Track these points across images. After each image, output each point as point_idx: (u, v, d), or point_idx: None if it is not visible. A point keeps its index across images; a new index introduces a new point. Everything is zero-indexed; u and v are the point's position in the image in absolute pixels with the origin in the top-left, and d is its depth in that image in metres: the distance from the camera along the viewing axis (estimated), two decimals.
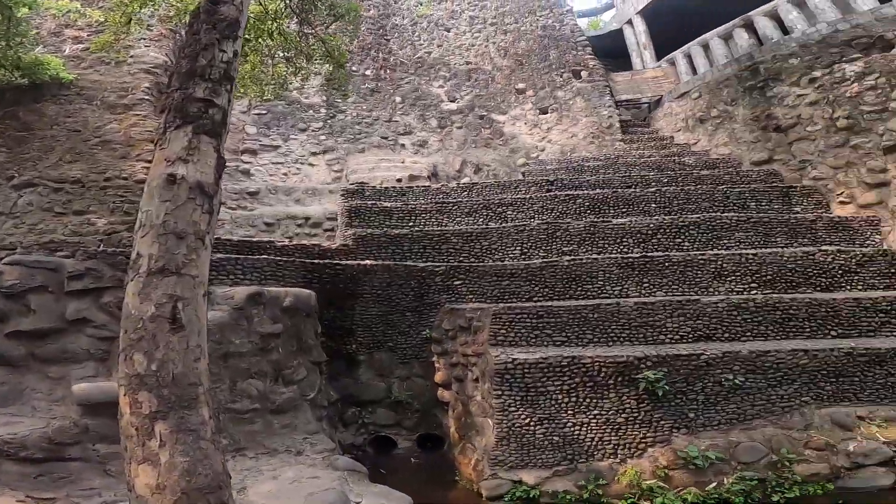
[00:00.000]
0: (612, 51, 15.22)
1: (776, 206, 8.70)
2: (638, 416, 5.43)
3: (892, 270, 7.31)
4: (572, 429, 5.37)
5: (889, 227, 7.90)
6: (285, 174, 12.45)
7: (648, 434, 5.38)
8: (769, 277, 7.23)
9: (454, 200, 9.41)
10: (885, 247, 7.76)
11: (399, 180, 11.97)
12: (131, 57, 7.96)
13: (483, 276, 7.44)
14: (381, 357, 7.28)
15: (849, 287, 7.23)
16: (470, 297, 7.37)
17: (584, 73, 13.47)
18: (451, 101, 13.72)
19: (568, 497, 5.05)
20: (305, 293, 6.60)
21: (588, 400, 5.46)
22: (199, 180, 3.37)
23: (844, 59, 8.56)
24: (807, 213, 8.53)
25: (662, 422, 5.43)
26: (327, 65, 8.53)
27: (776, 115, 9.54)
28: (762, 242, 7.95)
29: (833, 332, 6.41)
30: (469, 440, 6.02)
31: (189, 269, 3.22)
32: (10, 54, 7.04)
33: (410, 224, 8.98)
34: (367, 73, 13.94)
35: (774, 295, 6.78)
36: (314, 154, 12.77)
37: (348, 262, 7.57)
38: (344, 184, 11.51)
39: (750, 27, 11.23)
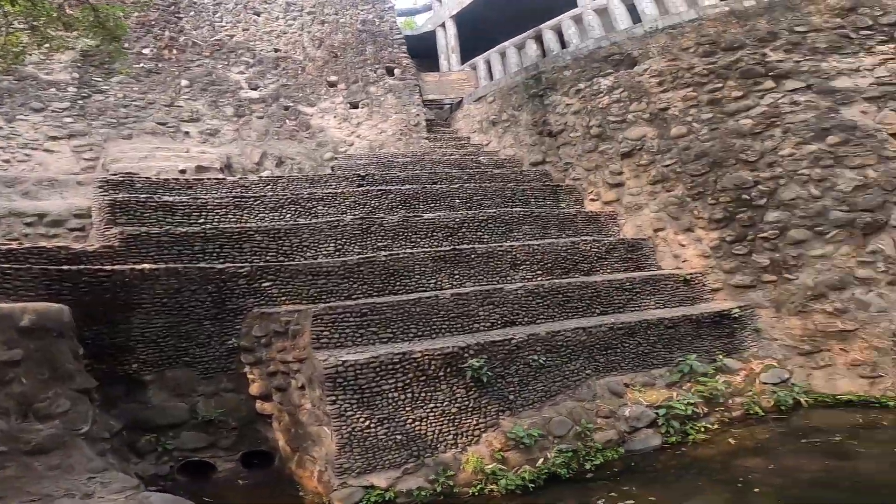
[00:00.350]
0: (423, 51, 15.06)
1: (549, 203, 9.48)
2: (469, 403, 5.32)
3: (629, 255, 8.48)
4: (413, 425, 5.03)
5: (624, 220, 9.18)
6: (7, 161, 9.71)
7: (480, 420, 5.30)
8: (550, 265, 7.80)
9: (257, 195, 8.27)
10: (622, 236, 8.97)
11: (183, 171, 10.18)
12: None
13: (296, 275, 6.62)
14: (177, 374, 6.01)
15: (602, 271, 8.17)
16: (283, 299, 6.50)
17: (397, 71, 13.09)
18: (252, 89, 12.11)
19: (423, 493, 4.74)
20: (55, 308, 4.96)
21: (423, 394, 5.16)
22: None
23: (601, 73, 9.44)
24: (570, 208, 9.47)
25: (490, 406, 5.40)
26: (88, 38, 6.73)
27: (550, 121, 10.30)
28: (542, 234, 8.55)
29: (597, 310, 7.16)
30: (306, 451, 5.29)
31: None
32: None
33: (201, 221, 7.62)
34: (146, 51, 11.57)
35: (556, 280, 7.33)
36: (54, 139, 10.16)
37: (116, 266, 6.05)
38: (101, 174, 9.34)
39: (539, 39, 11.82)
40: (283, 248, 7.31)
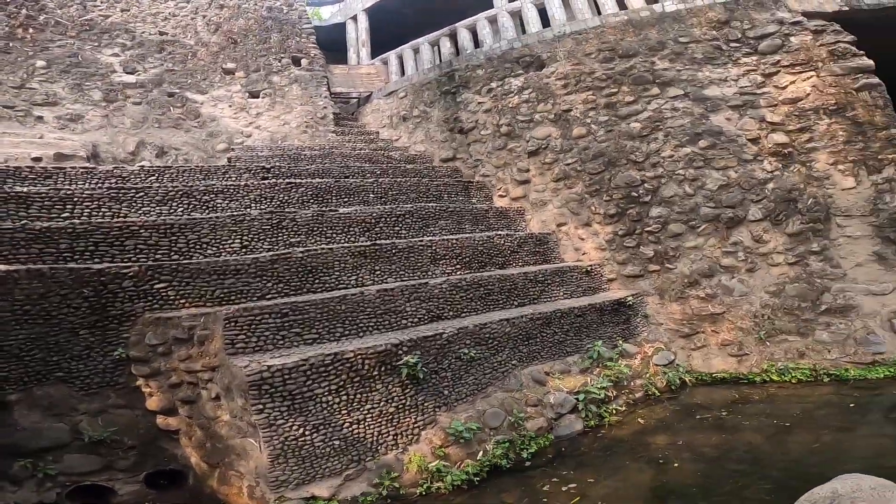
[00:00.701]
0: (332, 43, 14.40)
1: (461, 198, 9.50)
2: (405, 402, 5.09)
3: (537, 249, 8.78)
4: (350, 428, 4.69)
5: (530, 216, 9.50)
6: None
7: (419, 418, 5.10)
8: (468, 259, 7.81)
9: (138, 186, 7.29)
10: (529, 231, 9.30)
11: (38, 159, 8.87)
12: None
13: (198, 274, 5.90)
14: (50, 392, 5.10)
15: (515, 264, 8.36)
16: (182, 301, 5.76)
17: (304, 61, 12.29)
18: (128, 73, 10.65)
19: (368, 499, 4.45)
20: None
21: (358, 395, 4.84)
22: None
23: (512, 74, 9.68)
24: (481, 203, 9.58)
25: (426, 403, 5.22)
26: None
27: (461, 118, 10.34)
28: (457, 229, 8.55)
29: (516, 302, 7.29)
30: (229, 467, 4.72)
31: None
32: None
33: (66, 215, 6.60)
34: None
35: (476, 274, 7.33)
36: None
37: None
38: None
39: (454, 37, 11.81)
40: (178, 244, 6.52)
